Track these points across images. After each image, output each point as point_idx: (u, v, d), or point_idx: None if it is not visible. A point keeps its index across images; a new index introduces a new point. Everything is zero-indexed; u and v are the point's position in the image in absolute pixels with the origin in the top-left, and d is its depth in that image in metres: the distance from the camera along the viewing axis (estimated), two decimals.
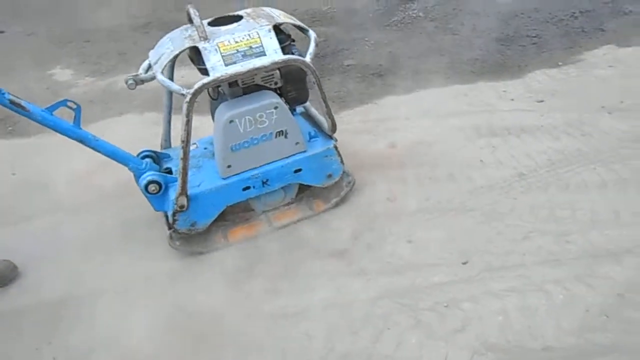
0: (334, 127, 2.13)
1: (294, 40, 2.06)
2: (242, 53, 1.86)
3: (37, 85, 3.67)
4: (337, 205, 2.25)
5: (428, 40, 3.68)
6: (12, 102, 1.79)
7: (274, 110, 1.97)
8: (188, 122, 1.81)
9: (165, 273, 2.06)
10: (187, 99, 1.78)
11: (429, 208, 2.27)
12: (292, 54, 1.97)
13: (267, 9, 2.08)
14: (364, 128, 2.82)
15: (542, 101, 2.87)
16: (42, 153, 2.90)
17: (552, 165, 2.40)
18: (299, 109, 2.38)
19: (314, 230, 2.18)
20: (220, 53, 1.84)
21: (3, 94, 1.78)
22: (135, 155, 2.06)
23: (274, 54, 1.87)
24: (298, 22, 2.06)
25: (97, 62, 3.90)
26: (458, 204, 2.27)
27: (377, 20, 4.05)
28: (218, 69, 1.82)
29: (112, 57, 3.96)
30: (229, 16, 2.03)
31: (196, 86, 1.78)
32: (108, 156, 1.98)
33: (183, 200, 1.95)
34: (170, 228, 2.05)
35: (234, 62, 1.84)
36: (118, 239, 2.24)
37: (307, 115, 2.37)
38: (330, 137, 2.19)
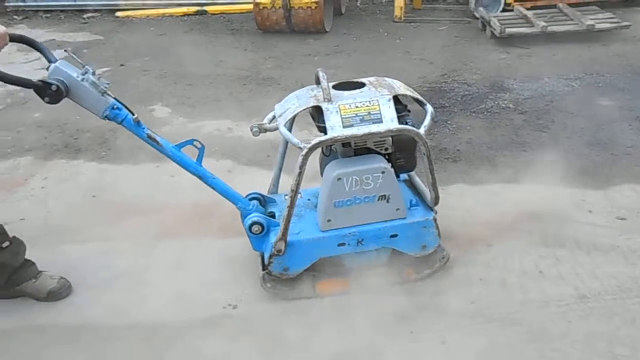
0: (436, 200, 2.18)
1: (409, 111, 2.15)
2: (361, 117, 1.98)
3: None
4: (428, 277, 2.27)
5: (513, 133, 3.58)
6: (149, 136, 2.05)
7: (380, 175, 2.05)
8: (300, 174, 1.96)
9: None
10: (304, 152, 1.93)
11: (471, 312, 2.15)
12: (407, 124, 2.07)
13: (389, 80, 2.20)
14: None
15: (624, 219, 2.65)
16: (127, 182, 3.15)
17: (621, 293, 2.18)
18: (403, 176, 2.47)
19: None
20: (341, 115, 1.98)
21: (143, 128, 2.04)
22: (244, 196, 2.28)
23: (390, 122, 1.98)
24: (417, 95, 2.13)
25: (193, 105, 4.23)
26: (505, 314, 2.12)
27: (464, 104, 4.03)
28: (336, 129, 1.96)
29: (208, 102, 4.27)
30: (353, 82, 2.17)
31: (313, 142, 1.93)
32: (221, 194, 2.18)
33: (281, 245, 2.07)
34: (264, 269, 2.19)
35: (352, 125, 1.97)
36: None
37: (411, 184, 2.45)
38: (431, 209, 2.22)
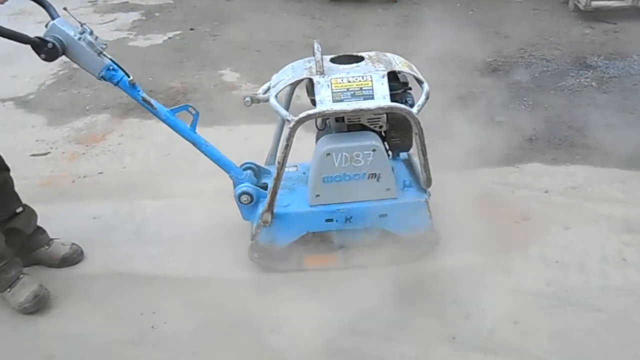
0: (428, 182, 2.12)
1: (409, 89, 2.09)
2: (352, 93, 1.91)
3: (207, 82, 4.10)
4: (416, 259, 2.21)
5: (595, 114, 3.37)
6: (144, 99, 2.03)
7: (371, 152, 1.99)
8: (287, 146, 1.93)
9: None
10: (291, 125, 1.89)
11: (546, 294, 2.07)
12: (406, 102, 2.01)
13: (390, 55, 2.12)
14: (498, 192, 2.66)
15: None
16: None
17: None
18: (403, 155, 2.39)
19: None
20: (332, 89, 1.92)
21: (138, 91, 2.03)
22: (238, 165, 2.24)
23: (381, 99, 1.91)
24: (414, 73, 2.05)
25: (261, 71, 4.24)
26: (583, 300, 2.03)
27: (542, 81, 3.83)
28: (325, 103, 1.91)
29: (276, 69, 4.26)
30: (352, 56, 2.10)
31: (301, 115, 1.89)
32: (213, 161, 2.15)
33: (268, 217, 2.06)
34: (252, 239, 2.17)
35: (342, 100, 1.91)
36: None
37: (409, 164, 2.36)
38: (425, 191, 2.15)
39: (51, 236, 2.36)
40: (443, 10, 5.39)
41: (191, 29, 5.24)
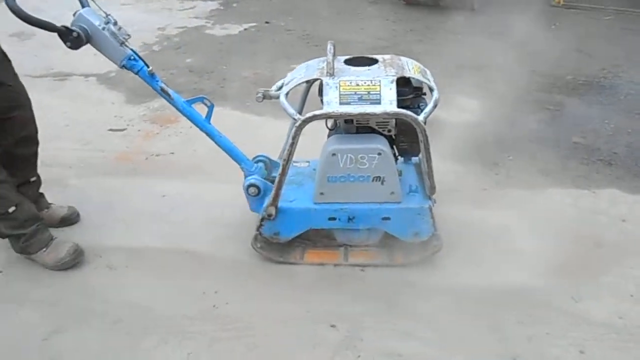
0: (432, 189, 2.12)
1: (424, 94, 2.09)
2: (359, 96, 1.92)
3: (280, 74, 4.13)
4: (417, 264, 2.20)
5: None
6: (162, 89, 2.08)
7: (376, 156, 2.00)
8: (293, 144, 1.97)
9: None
10: (297, 124, 1.93)
11: (618, 327, 1.96)
12: (418, 107, 2.02)
13: (404, 60, 2.11)
14: (571, 215, 2.55)
15: None
16: (266, 132, 3.27)
17: None
18: (415, 159, 2.37)
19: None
20: (339, 91, 1.93)
21: (157, 81, 2.09)
22: (250, 158, 2.29)
23: (388, 104, 1.91)
24: (426, 81, 2.03)
25: None
26: None
27: (626, 104, 3.64)
28: (332, 104, 1.93)
29: None
30: (367, 58, 2.10)
31: (307, 115, 1.93)
32: (226, 152, 2.21)
33: (272, 210, 2.11)
34: (257, 230, 2.22)
35: (348, 103, 1.92)
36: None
37: (419, 169, 2.33)
38: (429, 198, 2.14)
39: (123, 208, 2.49)
40: (522, 23, 5.21)
41: (266, 22, 5.35)
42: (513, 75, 4.03)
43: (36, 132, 2.33)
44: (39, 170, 2.63)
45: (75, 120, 3.53)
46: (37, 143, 2.36)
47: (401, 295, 2.10)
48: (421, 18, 5.38)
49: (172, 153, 3.14)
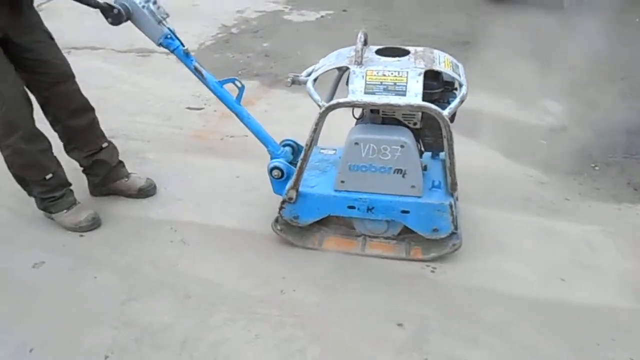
0: (453, 186, 2.09)
1: (455, 89, 2.06)
2: (385, 87, 1.91)
3: None
4: (432, 260, 2.18)
5: None
6: (196, 68, 2.15)
7: (399, 148, 1.99)
8: (315, 130, 2.00)
9: None
10: (321, 110, 1.95)
11: None
12: (447, 102, 1.97)
13: (437, 53, 2.07)
14: None
15: None
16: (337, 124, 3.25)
17: None
18: (442, 155, 2.27)
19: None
20: (365, 80, 1.93)
21: (191, 60, 2.14)
22: (279, 141, 2.31)
23: (413, 97, 1.89)
24: (456, 75, 1.98)
25: None
26: None
27: None
28: (357, 93, 1.92)
29: None
30: (398, 49, 2.07)
31: (331, 102, 1.94)
32: (254, 134, 2.25)
33: (293, 194, 2.13)
34: (278, 212, 2.21)
35: (373, 93, 1.91)
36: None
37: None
38: (451, 194, 2.10)
39: (198, 185, 2.57)
40: (619, 24, 4.88)
41: (344, 10, 5.30)
42: (604, 79, 3.79)
43: (86, 101, 2.39)
44: (120, 141, 2.76)
45: (156, 96, 3.65)
46: (91, 111, 2.42)
47: (471, 301, 2.03)
48: (505, 14, 5.14)
49: (246, 135, 3.15)
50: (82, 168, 2.53)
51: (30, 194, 2.38)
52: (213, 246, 2.29)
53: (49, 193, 2.31)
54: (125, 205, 2.55)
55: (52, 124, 2.38)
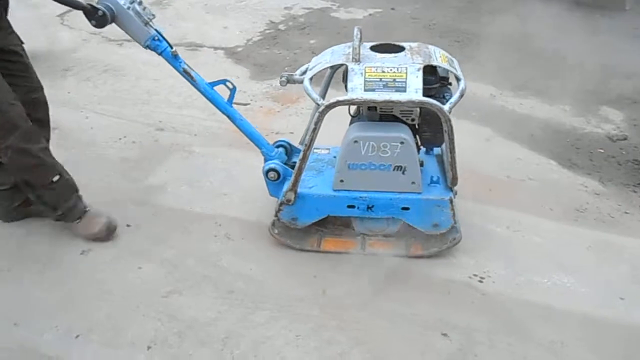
0: (454, 181, 2.08)
1: (449, 84, 2.05)
2: (384, 83, 1.89)
3: None
4: (432, 255, 2.16)
5: None
6: (185, 70, 2.09)
7: (399, 145, 1.97)
8: (315, 130, 1.95)
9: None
10: (320, 109, 1.91)
11: None
12: (443, 97, 1.98)
13: (432, 48, 2.07)
14: None
15: None
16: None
17: None
18: (436, 150, 2.34)
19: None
20: (364, 77, 1.90)
21: (180, 62, 2.07)
22: (271, 143, 2.27)
23: (413, 92, 1.87)
24: (453, 70, 1.98)
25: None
26: None
27: None
28: (356, 91, 1.90)
29: (471, 63, 4.04)
30: (393, 45, 2.05)
31: (330, 101, 1.90)
32: (246, 136, 2.21)
33: (291, 196, 2.09)
34: (275, 215, 2.17)
35: (373, 90, 1.89)
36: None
37: (441, 160, 2.28)
38: (450, 189, 2.10)
39: (243, 180, 2.58)
40: None
41: (392, 9, 5.22)
42: None
43: (48, 116, 2.29)
44: (168, 133, 2.78)
45: None
46: (49, 129, 2.31)
47: (522, 315, 1.94)
48: (561, 16, 4.93)
49: (292, 133, 3.16)
50: (5, 187, 2.29)
51: (41, 204, 2.20)
52: (256, 243, 2.27)
53: (59, 197, 2.17)
54: (172, 198, 2.57)
55: None
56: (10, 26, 2.10)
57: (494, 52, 4.23)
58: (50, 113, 3.00)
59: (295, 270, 2.14)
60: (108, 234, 2.26)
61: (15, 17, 2.07)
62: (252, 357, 1.79)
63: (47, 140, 2.27)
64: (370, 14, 5.10)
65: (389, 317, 1.94)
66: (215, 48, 4.40)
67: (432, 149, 2.33)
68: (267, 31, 4.76)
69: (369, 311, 1.96)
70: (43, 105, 2.26)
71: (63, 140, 3.03)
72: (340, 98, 1.91)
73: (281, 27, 4.86)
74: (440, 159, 2.32)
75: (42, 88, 2.24)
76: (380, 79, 1.90)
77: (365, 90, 1.89)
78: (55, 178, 2.15)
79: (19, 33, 2.15)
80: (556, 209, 2.49)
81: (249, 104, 3.51)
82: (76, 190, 2.27)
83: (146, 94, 2.77)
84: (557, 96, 3.48)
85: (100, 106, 3.45)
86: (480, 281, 2.09)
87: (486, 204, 2.49)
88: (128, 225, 2.38)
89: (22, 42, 2.14)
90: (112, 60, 4.11)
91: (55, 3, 1.96)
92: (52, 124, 3.15)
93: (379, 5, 5.28)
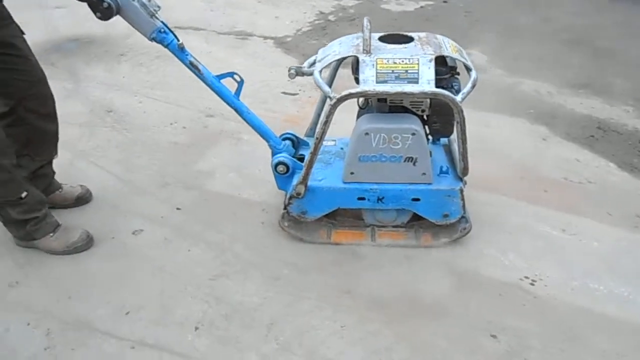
0: (465, 171, 2.07)
1: (457, 74, 2.02)
2: (397, 75, 1.87)
3: None
4: (445, 245, 2.16)
5: None
6: (191, 63, 2.04)
7: (410, 136, 1.95)
8: (326, 122, 1.93)
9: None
10: (332, 102, 1.89)
11: None
12: (452, 87, 1.96)
13: (441, 38, 2.03)
14: None
15: None
16: None
17: None
18: (443, 140, 2.33)
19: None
20: (376, 69, 1.88)
21: (186, 55, 2.04)
22: (278, 135, 2.26)
23: (426, 84, 1.86)
24: (464, 60, 1.94)
25: (514, 58, 3.93)
26: None
27: None
28: (368, 83, 1.87)
29: (530, 59, 3.92)
30: (402, 35, 2.03)
31: (343, 93, 1.87)
32: (254, 129, 2.19)
33: (301, 189, 2.08)
34: (284, 208, 2.17)
35: (385, 81, 1.87)
36: None
37: (449, 150, 2.28)
38: (460, 179, 2.09)
39: None
40: None
41: (444, 1, 5.11)
42: None
43: (55, 108, 2.20)
44: (217, 120, 2.80)
45: (253, 79, 3.69)
46: (56, 120, 2.23)
47: (577, 322, 1.87)
48: (627, 12, 4.72)
49: (337, 123, 3.14)
50: None
51: (8, 221, 2.12)
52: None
53: (29, 213, 2.07)
54: (220, 183, 2.61)
55: (11, 125, 2.06)
56: (9, 16, 1.97)
57: (552, 48, 4.09)
58: (107, 96, 3.09)
59: (341, 262, 2.12)
60: (88, 242, 2.18)
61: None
62: (296, 344, 1.79)
63: (56, 133, 2.25)
64: (421, 6, 5.01)
65: (436, 315, 1.90)
66: (265, 37, 4.43)
67: (438, 139, 2.31)
68: (317, 22, 4.75)
69: (415, 307, 1.93)
70: (48, 98, 2.16)
71: (117, 124, 3.13)
72: (353, 90, 1.88)
73: (331, 17, 4.84)
74: (447, 148, 2.30)
75: (44, 80, 2.11)
76: (392, 70, 1.87)
77: (377, 82, 1.87)
78: (24, 194, 2.04)
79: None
80: (615, 213, 2.38)
81: (297, 94, 3.51)
82: (45, 202, 2.17)
83: (196, 80, 2.79)
84: (619, 96, 3.33)
85: (152, 91, 3.53)
86: (532, 284, 2.02)
87: (541, 205, 2.41)
88: (178, 209, 2.43)
89: (22, 33, 2.04)
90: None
91: None
92: (108, 107, 3.32)
93: None
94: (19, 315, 1.91)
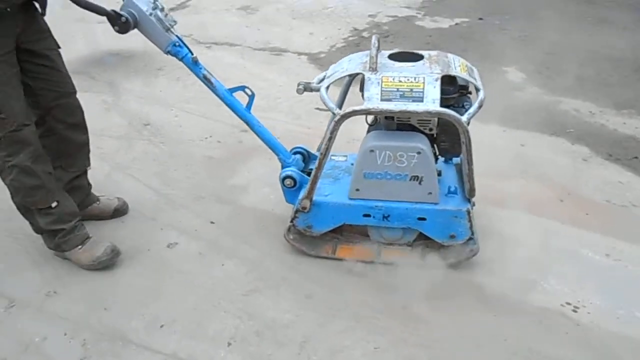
0: (471, 192, 2.04)
1: (469, 93, 2.01)
2: (401, 93, 1.86)
3: (487, 75, 3.84)
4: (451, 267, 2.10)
5: None
6: (205, 76, 2.11)
7: (415, 155, 1.95)
8: (331, 139, 1.94)
9: None
10: (336, 118, 1.90)
11: None
12: (463, 106, 1.96)
13: (451, 57, 2.02)
14: None
15: None
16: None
17: None
18: (455, 160, 2.29)
19: None
20: (381, 87, 1.88)
21: (200, 68, 2.10)
22: (289, 149, 2.28)
23: (430, 103, 1.84)
24: (472, 80, 1.92)
25: (551, 77, 3.85)
26: None
27: None
28: (373, 100, 1.88)
29: (569, 78, 3.82)
30: (412, 53, 2.03)
31: (347, 110, 1.90)
32: (265, 143, 2.22)
33: (306, 203, 2.09)
34: (290, 222, 2.17)
35: (389, 100, 1.86)
36: None
37: (460, 170, 2.22)
38: (468, 200, 2.05)
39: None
40: None
41: (480, 19, 5.06)
42: None
43: (84, 119, 2.24)
44: (251, 136, 2.79)
45: (287, 94, 3.73)
46: (87, 130, 2.27)
47: (622, 352, 1.79)
48: None
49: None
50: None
51: (38, 230, 2.17)
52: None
53: (57, 224, 2.10)
54: (254, 198, 2.62)
55: (43, 136, 2.09)
56: (47, 29, 2.04)
57: (594, 67, 3.98)
58: (144, 109, 3.16)
59: (375, 281, 2.09)
60: (113, 257, 2.17)
61: None
62: None
63: (87, 143, 2.30)
64: (456, 24, 4.97)
65: (475, 339, 1.85)
66: (299, 53, 4.46)
67: (450, 159, 2.28)
68: (351, 38, 4.77)
69: (453, 331, 1.88)
70: (76, 109, 2.20)
71: (154, 137, 3.19)
72: (357, 108, 1.90)
73: (365, 34, 4.85)
74: (459, 168, 2.26)
75: (74, 93, 2.17)
76: (397, 88, 1.87)
77: (381, 99, 1.87)
78: (54, 204, 2.08)
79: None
80: None
81: None
82: (77, 215, 2.19)
83: None
84: None
85: (188, 105, 3.58)
86: (575, 310, 1.94)
87: (583, 228, 2.33)
88: (212, 223, 2.45)
89: (58, 47, 2.09)
90: (201, 61, 4.28)
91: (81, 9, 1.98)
92: (145, 120, 3.39)
93: (466, 14, 5.14)
94: (56, 324, 1.95)
